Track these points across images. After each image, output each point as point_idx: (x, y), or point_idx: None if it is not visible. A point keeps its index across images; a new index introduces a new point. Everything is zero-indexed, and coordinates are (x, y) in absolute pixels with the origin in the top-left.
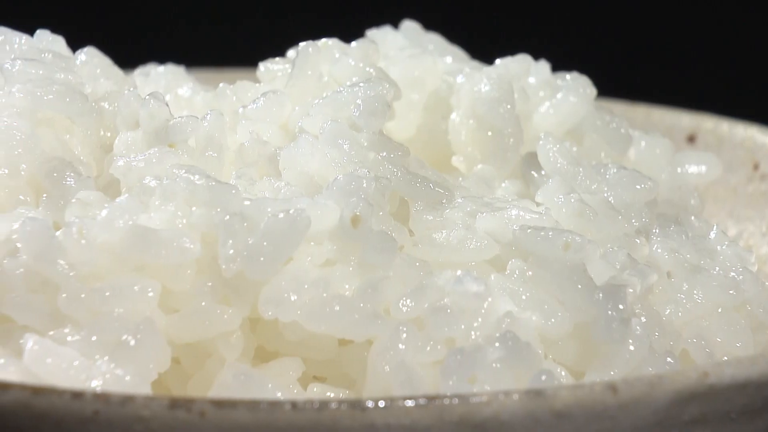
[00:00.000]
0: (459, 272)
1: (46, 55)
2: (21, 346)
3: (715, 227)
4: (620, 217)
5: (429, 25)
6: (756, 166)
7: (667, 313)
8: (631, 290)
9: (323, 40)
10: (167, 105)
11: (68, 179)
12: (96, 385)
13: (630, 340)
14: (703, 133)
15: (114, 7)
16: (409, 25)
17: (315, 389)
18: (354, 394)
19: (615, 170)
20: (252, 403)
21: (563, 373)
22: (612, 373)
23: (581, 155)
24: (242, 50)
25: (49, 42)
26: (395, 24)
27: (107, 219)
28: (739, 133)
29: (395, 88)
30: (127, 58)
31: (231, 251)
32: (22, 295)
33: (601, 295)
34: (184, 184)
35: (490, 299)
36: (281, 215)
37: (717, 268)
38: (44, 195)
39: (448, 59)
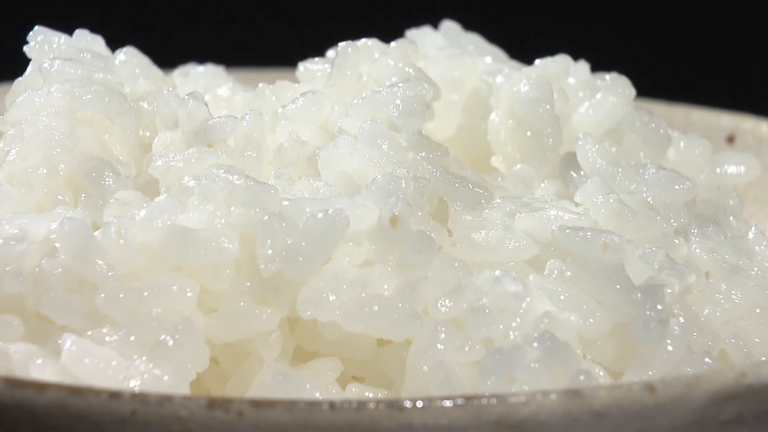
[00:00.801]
0: (497, 272)
1: (85, 54)
2: (59, 346)
3: (753, 228)
4: (659, 218)
5: (468, 25)
6: None
7: (705, 313)
8: (669, 290)
9: (363, 40)
10: (206, 105)
11: (107, 179)
12: (134, 385)
13: (668, 340)
14: (742, 134)
15: (153, 7)
16: (449, 26)
17: (353, 389)
18: (393, 394)
19: (654, 170)
20: (290, 403)
21: (601, 373)
22: (650, 373)
23: (620, 155)
24: (282, 50)
25: (88, 42)
26: (435, 24)
27: (146, 219)
28: None
29: (434, 89)
30: (167, 57)
31: (269, 251)
32: (60, 295)
33: (639, 295)
34: (223, 184)
35: (528, 299)
36: (320, 215)
37: (755, 269)
38: (83, 195)
39: (488, 59)
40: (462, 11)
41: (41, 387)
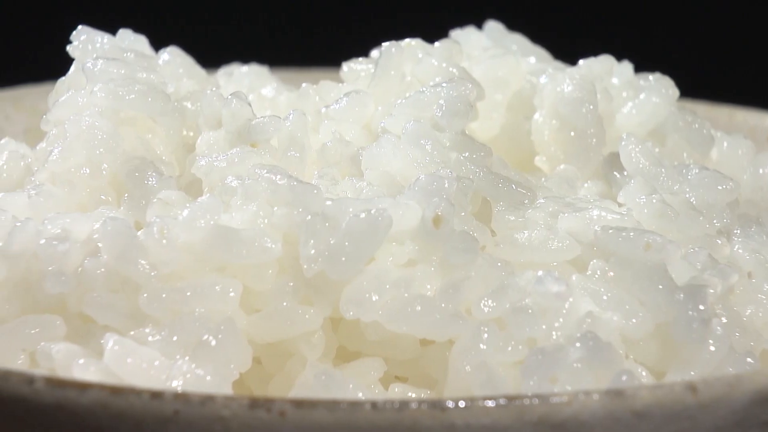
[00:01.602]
0: (540, 272)
1: (129, 54)
2: (102, 346)
3: None
4: (702, 218)
5: (512, 25)
6: None
7: (747, 313)
8: (711, 290)
9: (406, 40)
10: (250, 105)
11: (150, 179)
12: (176, 385)
13: (710, 341)
14: None
15: (197, 7)
16: (493, 26)
17: (396, 389)
18: (436, 394)
19: (697, 171)
20: (332, 403)
21: (644, 373)
22: (692, 373)
23: (663, 156)
24: (326, 50)
25: (131, 41)
26: (479, 24)
27: (189, 219)
28: None
29: (478, 89)
30: (210, 57)
31: (312, 251)
32: (103, 295)
33: (682, 295)
34: (266, 184)
35: (571, 299)
36: (363, 215)
37: None
38: (126, 194)
39: (532, 59)
40: (506, 11)
41: (83, 387)
